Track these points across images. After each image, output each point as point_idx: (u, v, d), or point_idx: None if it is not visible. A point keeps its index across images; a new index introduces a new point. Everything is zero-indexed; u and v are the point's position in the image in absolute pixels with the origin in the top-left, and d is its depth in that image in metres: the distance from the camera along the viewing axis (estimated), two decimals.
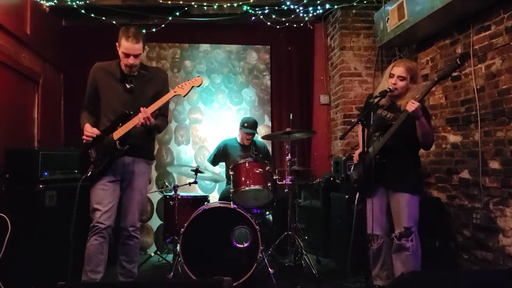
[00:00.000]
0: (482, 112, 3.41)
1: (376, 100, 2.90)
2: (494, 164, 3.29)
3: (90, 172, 2.85)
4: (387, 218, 3.04)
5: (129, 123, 2.83)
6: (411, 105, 2.71)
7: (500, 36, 3.22)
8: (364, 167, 2.81)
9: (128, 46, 2.83)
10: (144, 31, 4.73)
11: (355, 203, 3.08)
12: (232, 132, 4.81)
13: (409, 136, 2.89)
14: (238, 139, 4.53)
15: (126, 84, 2.94)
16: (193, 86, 2.90)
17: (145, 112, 2.79)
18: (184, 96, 2.94)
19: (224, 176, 4.53)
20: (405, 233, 2.87)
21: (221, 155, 4.51)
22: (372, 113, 2.98)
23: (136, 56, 2.86)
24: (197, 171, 3.90)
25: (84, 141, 2.89)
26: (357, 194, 3.11)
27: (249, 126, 4.37)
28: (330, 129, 5.36)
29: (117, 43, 2.89)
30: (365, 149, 2.70)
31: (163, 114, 3.07)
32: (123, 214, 3.01)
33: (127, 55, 2.85)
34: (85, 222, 2.92)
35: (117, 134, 2.86)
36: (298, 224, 4.14)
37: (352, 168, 3.32)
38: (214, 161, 4.56)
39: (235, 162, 3.84)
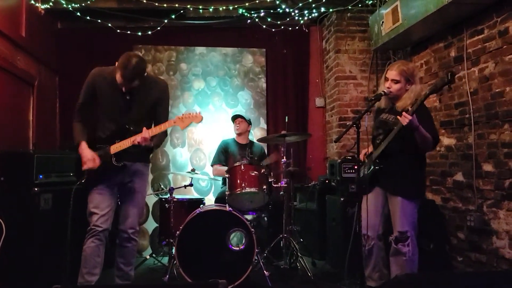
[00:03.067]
0: (476, 115, 3.44)
1: (371, 103, 2.93)
2: (488, 167, 3.32)
3: (84, 179, 2.85)
4: (381, 220, 3.05)
5: (127, 140, 2.82)
6: (404, 119, 2.72)
7: (493, 39, 3.25)
8: (366, 170, 2.85)
9: (121, 82, 2.79)
10: (140, 33, 4.83)
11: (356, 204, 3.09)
12: (227, 135, 4.81)
13: (410, 139, 2.88)
14: (236, 139, 4.54)
15: (126, 95, 2.91)
16: (192, 122, 2.81)
17: (147, 133, 2.76)
18: (182, 130, 2.89)
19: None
20: (401, 237, 2.88)
21: (224, 153, 4.48)
22: (367, 116, 3.01)
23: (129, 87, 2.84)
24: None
25: (83, 169, 2.83)
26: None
27: (235, 115, 4.54)
28: (325, 131, 5.38)
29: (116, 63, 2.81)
30: (359, 151, 2.75)
31: None
32: (123, 217, 3.01)
33: (120, 84, 2.82)
34: (81, 225, 2.92)
35: (114, 149, 2.86)
36: (294, 227, 4.15)
37: (359, 169, 3.32)
38: (220, 161, 4.47)
39: (233, 161, 3.85)
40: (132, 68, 2.73)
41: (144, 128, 2.79)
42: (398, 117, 2.80)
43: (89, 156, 2.82)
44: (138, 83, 2.85)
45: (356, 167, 3.32)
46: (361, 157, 3.20)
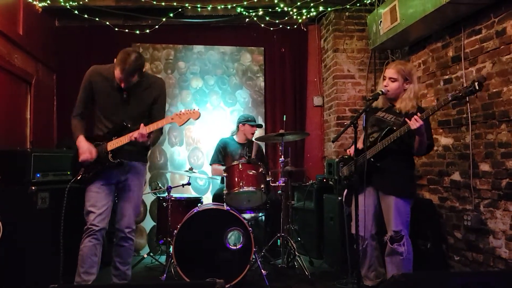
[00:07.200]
0: (473, 115, 3.45)
1: (368, 102, 2.93)
2: (485, 167, 3.33)
3: (80, 176, 2.86)
4: (374, 220, 3.06)
5: (124, 137, 2.82)
6: (415, 123, 2.70)
7: (491, 40, 3.25)
8: (356, 166, 2.83)
9: (121, 77, 2.80)
10: (138, 31, 4.82)
11: (343, 199, 3.10)
12: (225, 134, 4.81)
13: (403, 140, 2.91)
14: (236, 138, 4.53)
15: (123, 93, 2.91)
16: (189, 118, 2.79)
17: (144, 129, 2.75)
18: (180, 126, 2.89)
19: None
20: (395, 236, 2.89)
21: (222, 153, 4.47)
22: (366, 115, 3.01)
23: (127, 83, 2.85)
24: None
25: (80, 160, 2.83)
26: (345, 191, 3.15)
27: (253, 120, 4.45)
28: (323, 131, 5.39)
29: (115, 59, 2.82)
30: (358, 148, 2.74)
31: None
32: (119, 216, 3.01)
33: (119, 80, 2.83)
34: (78, 223, 2.92)
35: (111, 145, 2.85)
36: (291, 226, 4.15)
37: (343, 165, 3.33)
38: (218, 160, 4.45)
39: (232, 160, 3.85)
40: (131, 63, 2.75)
41: (142, 125, 2.79)
42: (407, 120, 2.74)
43: (85, 148, 2.83)
44: (137, 79, 2.86)
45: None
46: (349, 151, 3.26)
